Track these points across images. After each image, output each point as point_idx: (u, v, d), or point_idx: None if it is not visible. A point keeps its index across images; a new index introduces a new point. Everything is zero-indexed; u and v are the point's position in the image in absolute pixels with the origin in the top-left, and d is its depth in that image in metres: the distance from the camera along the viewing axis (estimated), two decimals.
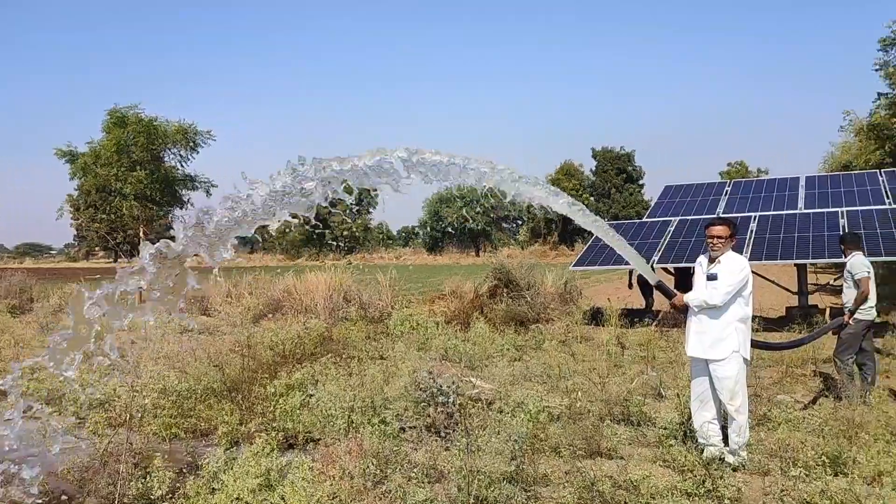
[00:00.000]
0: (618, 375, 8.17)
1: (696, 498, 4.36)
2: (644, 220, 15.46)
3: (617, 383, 7.49)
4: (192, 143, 20.75)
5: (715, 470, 4.75)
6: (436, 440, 5.58)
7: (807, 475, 4.49)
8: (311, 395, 6.62)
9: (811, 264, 14.12)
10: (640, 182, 58.01)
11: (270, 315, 13.75)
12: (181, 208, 21.60)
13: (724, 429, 5.28)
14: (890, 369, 8.61)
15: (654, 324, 11.29)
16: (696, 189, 16.46)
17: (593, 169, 58.73)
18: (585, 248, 14.57)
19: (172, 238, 3.10)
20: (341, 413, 5.85)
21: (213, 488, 4.36)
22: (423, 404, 5.98)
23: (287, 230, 59.03)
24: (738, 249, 11.59)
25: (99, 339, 3.23)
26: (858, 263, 7.34)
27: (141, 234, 20.30)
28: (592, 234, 6.04)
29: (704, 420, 5.29)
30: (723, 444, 5.22)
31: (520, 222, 64.97)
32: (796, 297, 13.47)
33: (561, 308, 12.97)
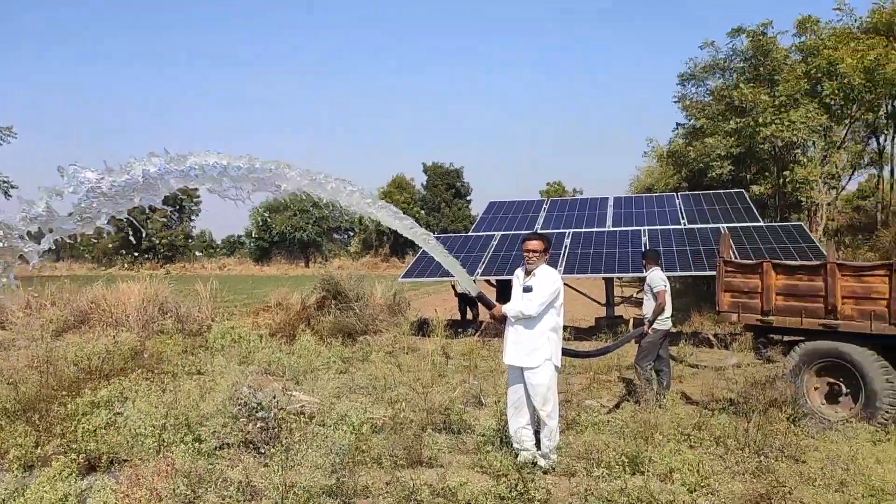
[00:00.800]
0: (441, 385, 8.34)
1: (510, 501, 4.53)
2: (469, 234, 15.97)
3: (440, 392, 7.63)
4: None
5: (527, 473, 4.97)
6: (254, 456, 5.39)
7: (608, 475, 4.82)
8: (118, 414, 6.17)
9: (617, 278, 15.25)
10: (468, 197, 59.91)
11: (76, 328, 12.67)
12: None
13: (537, 433, 5.54)
14: (683, 375, 9.47)
15: (477, 334, 11.67)
16: (518, 206, 17.28)
17: (424, 183, 59.85)
18: (414, 260, 14.79)
19: None
20: (151, 432, 5.50)
21: None
22: (241, 420, 5.75)
23: (99, 236, 54.79)
24: (553, 263, 12.32)
25: None
26: (657, 278, 8.03)
27: None
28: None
29: (519, 426, 5.52)
30: (535, 449, 5.47)
31: (351, 233, 64.70)
32: (604, 308, 14.50)
33: (389, 319, 13.05)
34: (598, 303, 14.88)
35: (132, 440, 5.48)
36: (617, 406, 7.56)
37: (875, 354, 6.41)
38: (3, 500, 4.15)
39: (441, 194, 57.66)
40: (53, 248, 2.96)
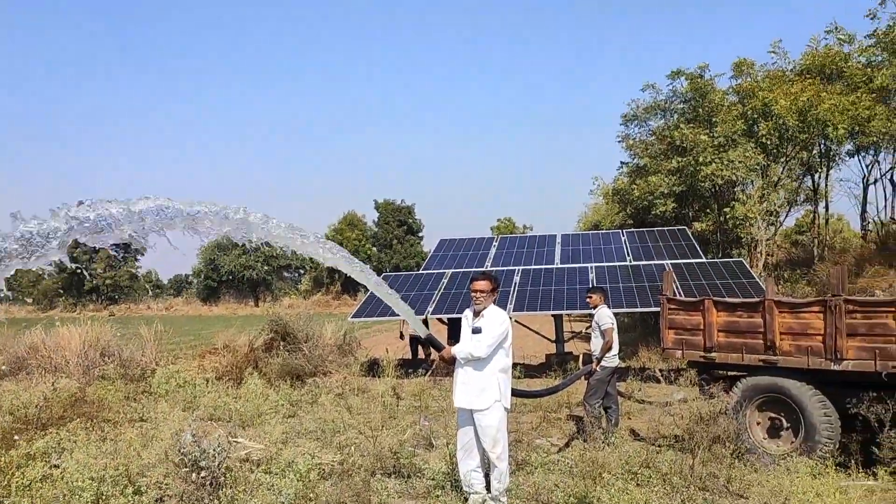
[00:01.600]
0: (391, 427, 8.26)
1: None
2: (420, 272, 16.00)
3: (390, 435, 7.56)
4: None
5: None
6: None
7: None
8: (55, 466, 5.95)
9: (566, 314, 15.42)
10: (420, 234, 60.06)
11: (13, 375, 12.18)
12: None
13: (487, 476, 5.52)
14: (631, 411, 9.58)
15: (428, 374, 11.62)
16: (468, 243, 17.42)
17: (376, 220, 59.83)
18: (365, 298, 14.72)
19: None
20: (89, 485, 5.31)
21: None
22: (184, 470, 5.59)
23: (41, 278, 53.09)
24: (504, 300, 12.42)
25: None
26: (604, 315, 8.16)
27: None
28: None
29: (469, 468, 5.49)
30: (486, 491, 5.45)
31: (302, 271, 64.06)
32: (554, 344, 14.63)
33: (339, 360, 12.91)
34: (549, 339, 15.00)
35: (69, 494, 5.28)
36: (567, 445, 7.60)
37: (813, 389, 6.60)
38: None
39: (393, 231, 57.67)
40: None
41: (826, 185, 23.90)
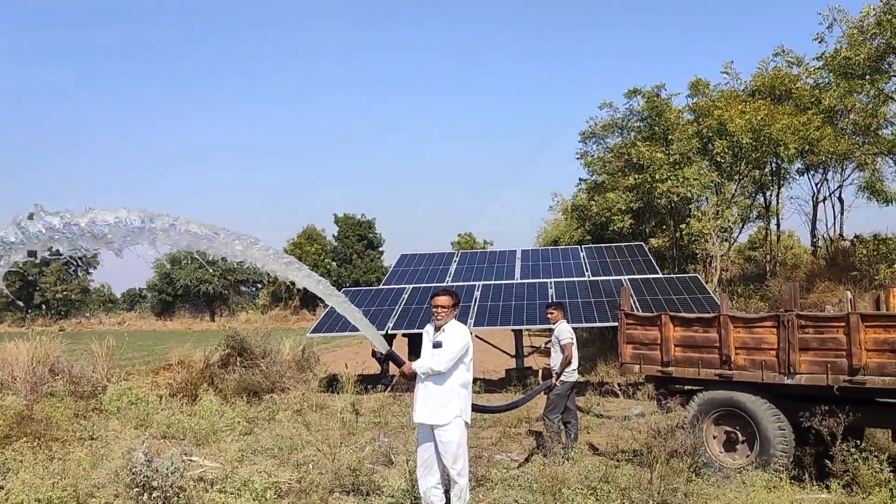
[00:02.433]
0: (350, 444, 8.16)
1: None
2: (381, 287, 15.92)
3: (349, 452, 7.46)
4: None
5: None
6: None
7: None
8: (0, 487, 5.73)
9: (526, 329, 15.48)
10: (381, 248, 59.86)
11: None
12: None
13: (447, 492, 5.47)
14: (590, 425, 9.63)
15: (388, 389, 11.53)
16: (429, 258, 17.40)
17: (336, 234, 59.50)
18: (324, 314, 14.57)
19: None
20: None
21: None
22: (136, 490, 5.43)
23: None
24: (464, 316, 12.41)
25: None
26: (563, 330, 8.20)
27: None
28: None
29: (429, 485, 5.43)
30: None
31: (260, 286, 63.23)
32: (514, 359, 14.66)
33: (298, 376, 12.75)
34: (509, 354, 15.03)
35: None
36: (527, 460, 7.60)
37: (767, 403, 6.71)
38: None
39: (353, 245, 57.37)
40: None
41: (777, 202, 24.57)
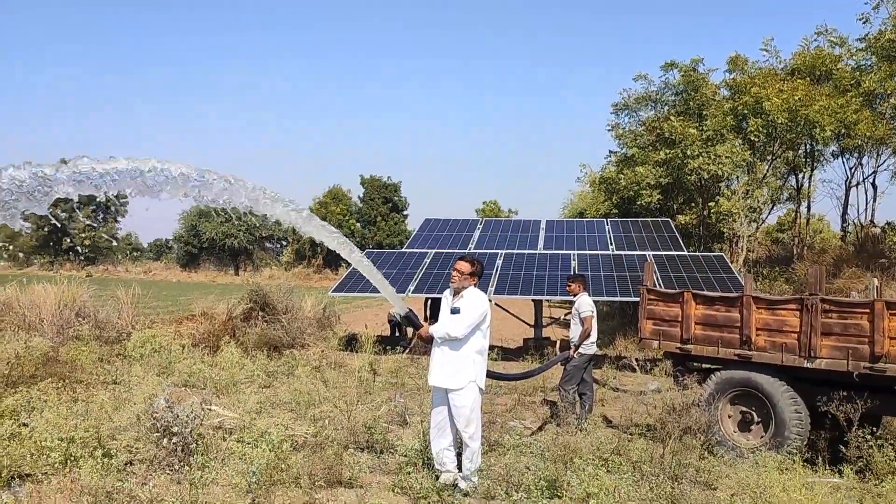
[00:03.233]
0: (367, 402, 8.27)
1: None
2: (403, 250, 15.96)
3: (365, 410, 7.56)
4: None
5: (447, 496, 4.96)
6: (167, 474, 5.22)
7: (527, 498, 4.86)
8: (24, 425, 5.88)
9: (546, 300, 15.48)
10: (405, 212, 59.87)
11: None
12: None
13: (459, 455, 5.54)
14: (605, 398, 9.65)
15: (406, 351, 11.63)
16: (453, 224, 17.38)
17: (361, 196, 59.56)
18: (346, 273, 14.67)
19: None
20: (58, 445, 5.25)
21: None
22: (155, 435, 5.56)
23: (17, 234, 52.41)
24: (485, 283, 12.42)
25: None
26: (584, 303, 8.18)
27: None
28: None
29: (441, 447, 5.51)
30: (457, 471, 5.47)
31: (284, 242, 63.72)
32: (533, 329, 14.69)
33: (318, 333, 12.88)
34: (527, 324, 15.05)
35: (37, 453, 5.23)
36: (540, 428, 7.65)
37: (785, 385, 6.67)
38: None
39: (377, 208, 57.44)
40: None
41: (809, 185, 24.10)
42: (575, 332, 8.21)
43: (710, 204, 21.18)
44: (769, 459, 6.14)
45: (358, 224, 56.67)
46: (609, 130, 25.32)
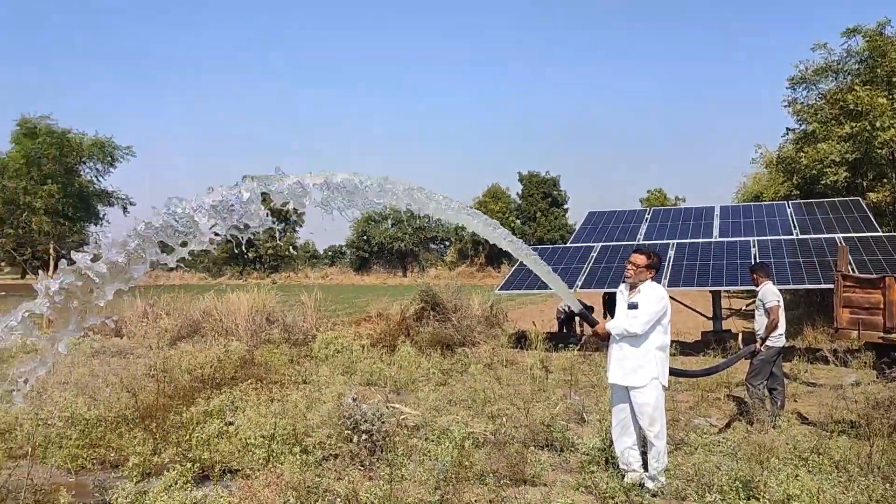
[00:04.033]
0: (542, 400, 8.25)
1: None
2: (568, 245, 15.78)
3: (541, 408, 7.55)
4: (109, 158, 19.96)
5: (636, 496, 4.84)
6: (359, 469, 5.49)
7: (721, 500, 4.62)
8: (229, 423, 6.42)
9: (725, 291, 14.69)
10: (565, 206, 59.28)
11: (189, 337, 13.34)
12: (96, 224, 20.74)
13: (644, 454, 5.38)
14: (798, 393, 8.99)
15: (578, 348, 11.49)
16: (619, 216, 16.94)
17: (520, 192, 59.69)
18: (511, 271, 14.73)
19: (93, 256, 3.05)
20: (261, 442, 5.69)
21: None
22: (347, 432, 5.87)
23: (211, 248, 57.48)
24: (657, 276, 11.99)
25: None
26: (769, 292, 7.67)
27: (51, 250, 19.31)
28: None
29: (625, 446, 5.38)
30: (643, 470, 5.32)
31: (447, 243, 65.27)
32: (711, 321, 13.98)
33: (487, 331, 13.06)
34: (705, 316, 14.35)
35: (242, 450, 5.68)
36: (728, 426, 7.26)
37: None
38: None
39: (537, 203, 57.34)
40: (186, 257, 3.24)
41: None
42: (760, 323, 7.72)
43: None
44: None
45: (518, 221, 56.83)
46: (785, 106, 23.54)
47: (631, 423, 5.36)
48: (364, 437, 5.81)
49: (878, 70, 19.90)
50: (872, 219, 14.73)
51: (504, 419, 6.92)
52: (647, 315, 5.20)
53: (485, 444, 6.16)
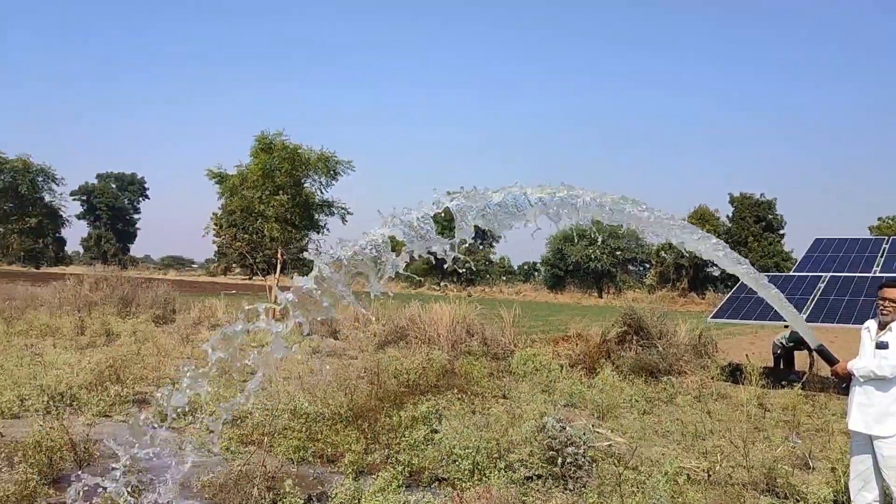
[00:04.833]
0: (759, 440, 7.57)
1: None
2: (792, 273, 14.48)
3: (760, 449, 6.93)
4: (332, 172, 21.54)
5: None
6: (562, 491, 5.34)
7: None
8: (435, 431, 6.53)
9: None
10: (781, 231, 54.94)
11: (395, 343, 13.95)
12: (318, 232, 22.44)
13: None
14: None
15: (800, 386, 10.45)
16: (851, 244, 15.24)
17: (730, 215, 56.26)
18: (726, 298, 13.75)
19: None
20: (467, 454, 5.71)
21: None
22: (551, 453, 5.73)
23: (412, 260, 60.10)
24: None
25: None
26: None
27: (279, 255, 21.19)
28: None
29: (866, 501, 4.77)
30: None
31: (647, 265, 63.03)
32: None
33: (694, 361, 12.29)
34: None
35: (447, 458, 5.74)
36: None
37: None
38: (342, 502, 4.56)
39: (748, 227, 53.69)
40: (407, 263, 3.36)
41: None
42: None
43: None
44: None
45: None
46: None
47: (873, 477, 4.75)
48: (569, 460, 5.64)
49: None
50: None
51: (718, 457, 6.42)
52: None
53: (698, 482, 5.74)
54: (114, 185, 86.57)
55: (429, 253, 3.52)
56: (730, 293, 13.67)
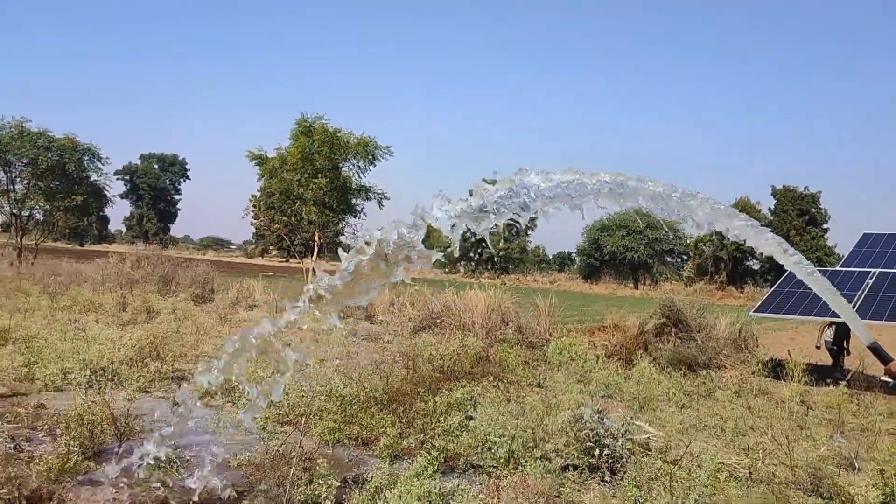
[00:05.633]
0: (802, 438, 7.38)
1: None
2: (838, 268, 14.09)
3: (804, 448, 6.75)
4: (370, 157, 21.57)
5: None
6: (598, 483, 5.25)
7: None
8: (470, 418, 6.49)
9: None
10: (825, 226, 53.70)
11: (429, 328, 13.92)
12: (354, 216, 22.56)
13: None
14: None
15: (843, 384, 10.16)
16: None
17: (772, 208, 55.13)
18: (770, 292, 13.44)
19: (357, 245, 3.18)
20: (502, 442, 5.65)
21: None
22: (588, 444, 5.64)
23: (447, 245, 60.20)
24: None
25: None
26: None
27: (316, 237, 21.33)
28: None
29: None
30: None
31: (685, 257, 62.12)
32: None
33: (734, 355, 12.04)
34: None
35: (482, 445, 5.69)
36: None
37: None
38: (378, 486, 4.54)
39: (791, 221, 52.53)
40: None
41: None
42: None
43: None
44: None
45: None
46: None
47: None
48: (606, 452, 5.55)
49: None
50: None
51: (760, 454, 6.26)
52: None
53: (740, 479, 5.60)
54: (156, 166, 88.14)
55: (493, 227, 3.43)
56: (775, 287, 13.35)
